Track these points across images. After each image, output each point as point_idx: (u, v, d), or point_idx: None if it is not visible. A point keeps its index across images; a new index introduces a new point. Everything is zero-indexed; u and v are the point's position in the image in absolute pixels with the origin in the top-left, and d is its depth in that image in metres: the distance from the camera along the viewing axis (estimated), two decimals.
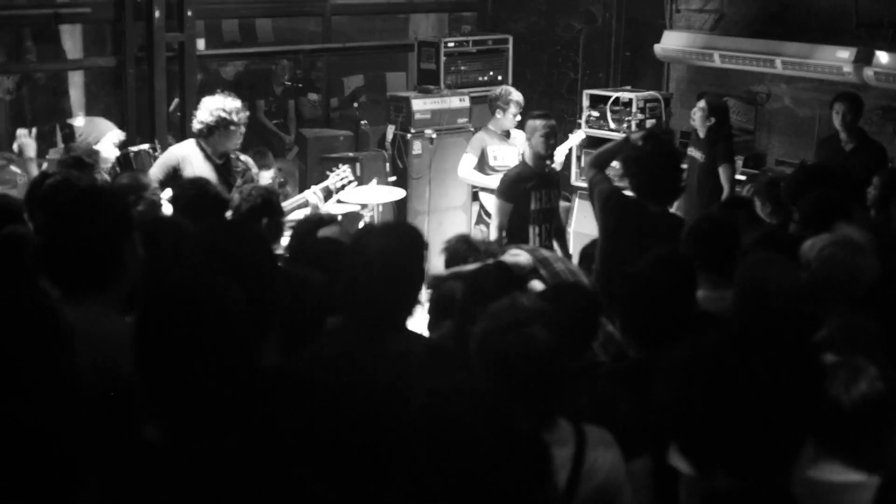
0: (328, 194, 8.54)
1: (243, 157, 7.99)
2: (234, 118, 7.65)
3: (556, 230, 8.55)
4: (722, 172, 8.99)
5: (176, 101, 10.46)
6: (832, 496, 3.00)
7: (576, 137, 10.55)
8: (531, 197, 8.22)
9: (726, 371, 2.52)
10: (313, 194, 8.34)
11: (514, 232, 8.10)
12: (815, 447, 3.24)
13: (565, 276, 6.13)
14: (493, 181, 9.00)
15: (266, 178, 9.88)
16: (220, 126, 7.61)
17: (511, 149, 9.86)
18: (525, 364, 3.35)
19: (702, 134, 9.29)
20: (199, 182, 6.41)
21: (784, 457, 2.57)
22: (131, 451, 2.69)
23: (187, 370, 2.63)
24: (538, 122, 8.36)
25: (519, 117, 9.96)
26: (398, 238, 4.05)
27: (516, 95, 9.97)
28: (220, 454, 2.63)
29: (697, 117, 9.35)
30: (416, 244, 4.09)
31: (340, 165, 9.09)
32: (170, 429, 2.65)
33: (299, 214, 7.46)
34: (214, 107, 7.62)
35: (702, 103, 9.47)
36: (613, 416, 4.05)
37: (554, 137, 8.43)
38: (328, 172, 8.92)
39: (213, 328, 2.66)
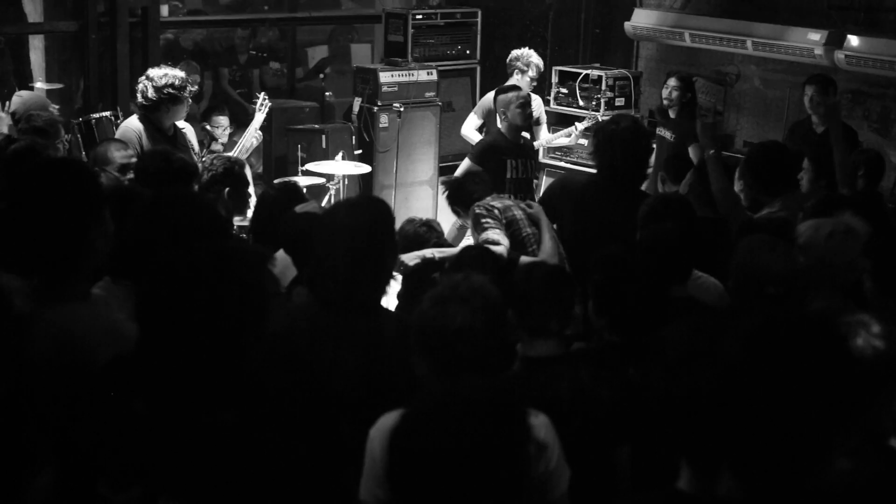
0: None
1: (186, 129, 7.79)
2: (183, 93, 7.43)
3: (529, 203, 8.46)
4: (692, 151, 8.93)
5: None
6: None
7: (573, 137, 10.49)
8: (507, 166, 8.19)
9: (744, 358, 2.40)
10: (254, 137, 8.47)
11: None
12: None
13: (530, 242, 6.13)
14: None
15: (222, 124, 9.86)
16: (169, 99, 7.39)
17: None
18: (439, 340, 3.35)
19: (673, 113, 9.22)
20: (164, 153, 6.27)
21: (804, 457, 2.44)
22: (118, 424, 2.65)
23: (195, 341, 2.57)
24: (511, 95, 8.45)
25: (535, 83, 10.04)
26: (367, 215, 3.98)
27: (536, 59, 10.04)
28: (214, 427, 2.58)
29: (674, 96, 9.28)
30: (385, 220, 4.02)
31: (258, 95, 9.10)
32: (162, 402, 2.59)
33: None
34: (163, 82, 7.36)
35: (673, 81, 9.40)
36: (595, 403, 4.00)
37: (529, 107, 8.49)
38: (252, 104, 8.95)
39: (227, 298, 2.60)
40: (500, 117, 8.50)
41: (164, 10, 11.12)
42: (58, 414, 3.03)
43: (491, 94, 9.89)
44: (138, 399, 2.62)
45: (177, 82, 7.38)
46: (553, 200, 6.52)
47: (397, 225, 5.52)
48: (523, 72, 9.99)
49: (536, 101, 9.95)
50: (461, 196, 6.59)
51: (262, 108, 8.73)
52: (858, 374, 2.63)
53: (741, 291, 4.33)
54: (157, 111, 7.39)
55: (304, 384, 3.74)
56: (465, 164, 8.35)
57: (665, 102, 9.33)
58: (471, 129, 10.01)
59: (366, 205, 4.19)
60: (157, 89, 7.33)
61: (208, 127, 9.94)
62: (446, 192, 6.77)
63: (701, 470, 2.49)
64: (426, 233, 6.44)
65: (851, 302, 4.51)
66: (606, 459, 3.95)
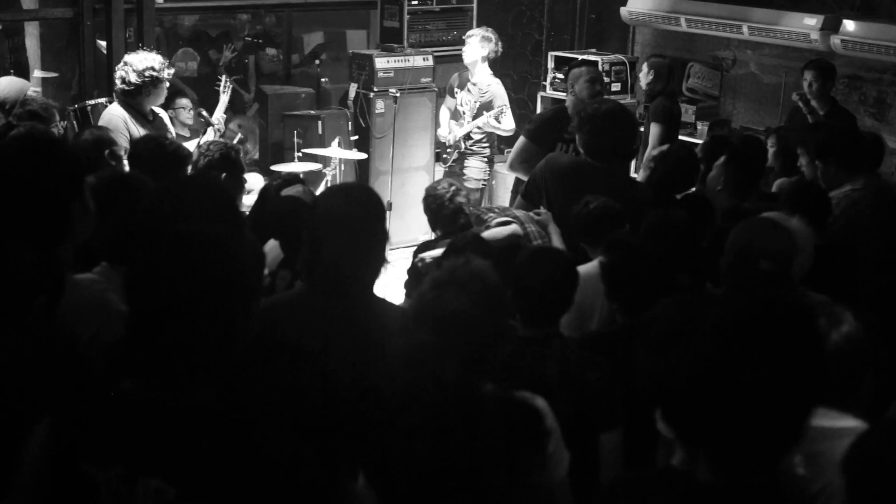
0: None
1: (161, 114, 7.79)
2: (163, 75, 7.45)
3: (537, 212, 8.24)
4: (652, 130, 8.88)
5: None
6: (826, 442, 2.93)
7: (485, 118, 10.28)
8: (557, 148, 7.69)
9: (720, 347, 2.41)
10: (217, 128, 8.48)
11: None
12: None
13: (535, 237, 6.11)
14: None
15: (185, 106, 9.83)
16: (150, 84, 7.40)
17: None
18: (434, 323, 3.32)
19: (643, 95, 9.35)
20: (156, 138, 6.27)
21: (778, 447, 2.46)
22: (105, 402, 2.64)
23: (185, 322, 2.56)
24: (584, 68, 8.00)
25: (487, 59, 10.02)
26: (355, 202, 3.97)
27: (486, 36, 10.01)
28: (199, 407, 2.57)
29: (641, 78, 9.45)
30: (374, 207, 4.02)
31: (220, 77, 9.05)
32: (150, 381, 2.59)
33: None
34: (144, 66, 7.38)
35: (645, 66, 9.50)
36: (581, 385, 4.01)
37: (599, 84, 7.98)
38: (216, 87, 8.91)
39: (219, 279, 2.59)
40: (569, 90, 7.98)
41: None
42: (46, 384, 3.05)
43: (456, 74, 9.97)
44: (127, 378, 2.62)
45: (156, 65, 7.41)
46: (539, 181, 6.49)
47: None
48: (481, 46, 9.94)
49: (487, 83, 9.99)
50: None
51: (225, 90, 8.68)
52: (829, 359, 2.64)
53: (735, 268, 4.30)
54: (138, 95, 7.41)
55: (297, 371, 3.75)
56: (519, 142, 7.86)
57: (646, 86, 9.32)
58: (445, 124, 10.16)
59: (356, 192, 4.19)
60: (139, 73, 7.35)
61: (205, 113, 9.92)
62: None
63: (689, 448, 2.50)
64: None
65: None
66: (592, 442, 3.96)
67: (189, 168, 6.22)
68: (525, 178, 6.98)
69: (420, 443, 2.78)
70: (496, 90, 9.92)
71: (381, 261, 3.99)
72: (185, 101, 10.08)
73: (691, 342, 2.44)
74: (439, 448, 2.75)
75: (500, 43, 10.02)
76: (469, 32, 10.11)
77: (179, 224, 2.94)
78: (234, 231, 3.56)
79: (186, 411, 2.56)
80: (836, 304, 3.33)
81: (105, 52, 9.96)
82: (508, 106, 9.84)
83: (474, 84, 9.93)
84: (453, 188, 6.34)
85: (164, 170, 5.60)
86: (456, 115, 10.15)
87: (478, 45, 9.87)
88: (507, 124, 9.81)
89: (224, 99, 8.62)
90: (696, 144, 7.48)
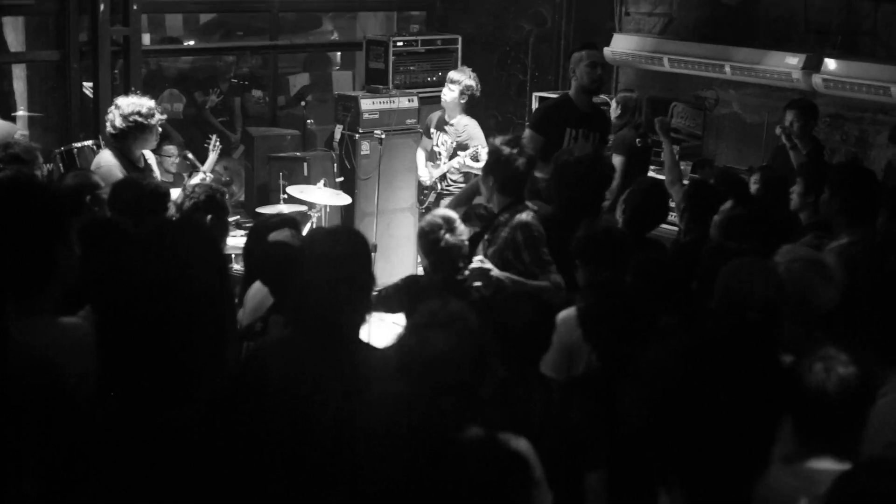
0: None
1: (151, 161, 7.79)
2: (150, 121, 7.43)
3: None
4: (614, 160, 8.81)
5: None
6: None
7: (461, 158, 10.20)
8: (565, 135, 7.66)
9: (687, 381, 2.43)
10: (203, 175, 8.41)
11: None
12: (801, 437, 3.26)
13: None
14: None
15: (172, 153, 9.83)
16: (136, 129, 7.39)
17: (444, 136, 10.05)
18: (421, 367, 3.34)
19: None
20: (133, 179, 6.27)
21: (743, 479, 2.48)
22: (81, 435, 2.66)
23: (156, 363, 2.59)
24: (583, 52, 7.93)
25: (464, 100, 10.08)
26: (345, 246, 3.98)
27: (467, 79, 10.04)
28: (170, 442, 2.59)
29: (616, 115, 9.52)
30: (363, 251, 4.03)
31: (210, 137, 9.05)
32: (122, 413, 2.61)
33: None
34: (130, 110, 7.38)
35: (614, 101, 9.66)
36: (565, 426, 4.02)
37: (600, 68, 7.91)
38: (206, 145, 8.92)
39: (187, 319, 2.63)
40: (571, 76, 7.97)
41: (146, 38, 11.14)
42: (33, 428, 3.05)
43: (433, 114, 10.07)
44: (100, 410, 2.64)
45: (143, 110, 7.39)
46: None
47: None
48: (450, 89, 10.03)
49: (464, 123, 10.01)
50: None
51: (214, 148, 8.68)
52: (830, 402, 2.68)
53: (723, 315, 4.34)
54: (125, 140, 7.41)
55: (284, 417, 3.75)
56: (526, 135, 7.71)
57: (615, 120, 9.39)
58: (422, 166, 10.23)
59: (343, 236, 4.20)
60: (124, 117, 7.35)
61: (191, 156, 9.94)
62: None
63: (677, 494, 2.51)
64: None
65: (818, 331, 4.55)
66: (578, 483, 3.96)
67: (174, 209, 6.24)
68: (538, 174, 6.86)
69: (400, 493, 2.78)
70: (473, 131, 9.98)
71: (367, 306, 4.00)
72: (171, 149, 10.07)
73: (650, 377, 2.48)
74: (419, 497, 2.76)
75: (478, 83, 10.09)
76: (453, 76, 10.13)
77: (151, 270, 2.96)
78: (216, 276, 3.57)
79: (158, 444, 2.57)
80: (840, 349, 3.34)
81: (91, 94, 9.99)
82: (486, 146, 9.83)
83: (451, 125, 9.98)
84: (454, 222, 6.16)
85: (145, 212, 5.62)
86: (433, 155, 10.19)
87: (458, 93, 9.99)
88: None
89: (213, 157, 8.64)
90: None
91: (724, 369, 2.40)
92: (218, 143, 8.67)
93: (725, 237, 5.92)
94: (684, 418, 2.38)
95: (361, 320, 3.97)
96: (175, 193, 6.74)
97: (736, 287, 4.33)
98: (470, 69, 10.27)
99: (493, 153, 6.21)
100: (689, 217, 6.59)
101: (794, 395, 3.25)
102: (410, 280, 5.94)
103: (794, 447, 3.29)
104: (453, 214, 5.89)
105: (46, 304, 3.67)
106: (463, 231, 5.85)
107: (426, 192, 10.18)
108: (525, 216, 6.04)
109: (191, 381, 2.64)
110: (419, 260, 6.40)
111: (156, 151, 9.17)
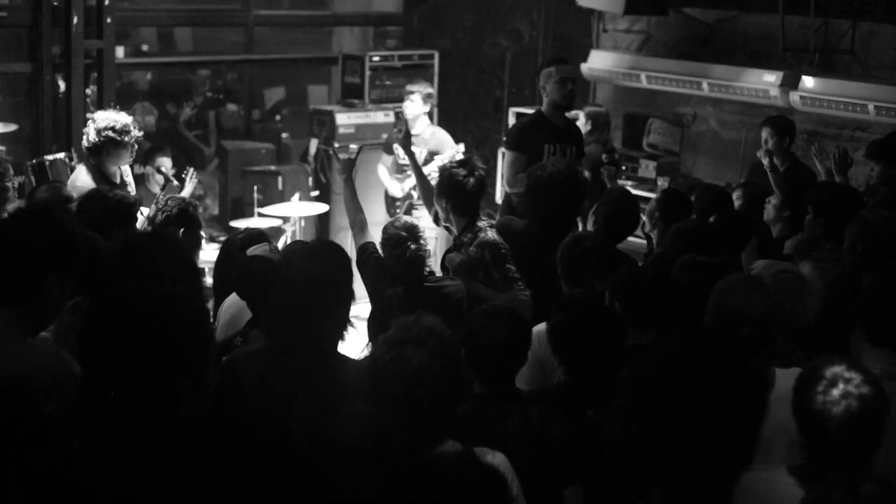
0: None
1: (128, 177, 7.67)
2: (124, 137, 7.33)
3: None
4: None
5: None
6: None
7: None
8: (544, 152, 7.62)
9: (666, 391, 2.40)
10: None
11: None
12: (811, 459, 3.24)
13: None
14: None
15: (166, 165, 9.69)
16: (109, 142, 7.30)
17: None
18: (395, 384, 3.34)
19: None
20: (99, 192, 6.17)
21: (718, 488, 2.44)
22: (55, 459, 2.61)
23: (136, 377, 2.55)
24: (553, 68, 7.90)
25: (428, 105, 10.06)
26: (325, 261, 3.96)
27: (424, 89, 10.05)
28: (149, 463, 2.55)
29: (586, 130, 9.54)
30: (343, 266, 4.01)
31: (188, 169, 8.89)
32: (100, 439, 2.56)
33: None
34: (104, 125, 7.30)
35: (581, 113, 9.74)
36: (544, 441, 3.98)
37: (571, 83, 7.88)
38: (182, 176, 8.78)
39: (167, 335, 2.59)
40: (542, 93, 7.97)
41: (120, 51, 11.06)
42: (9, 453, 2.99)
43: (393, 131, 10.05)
44: (77, 435, 2.57)
45: (117, 126, 7.30)
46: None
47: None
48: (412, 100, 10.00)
49: (431, 132, 10.00)
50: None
51: (191, 179, 8.57)
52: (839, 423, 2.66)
53: (718, 330, 4.32)
54: (98, 155, 7.35)
55: (259, 431, 3.70)
56: (506, 158, 7.80)
57: (585, 136, 9.38)
58: (388, 180, 10.17)
59: (323, 250, 4.18)
60: (98, 132, 7.28)
61: (149, 168, 9.79)
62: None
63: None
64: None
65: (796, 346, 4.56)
66: (557, 499, 3.93)
67: (146, 223, 6.16)
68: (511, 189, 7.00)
69: None
70: (441, 137, 9.96)
71: (345, 322, 3.96)
72: (167, 161, 9.91)
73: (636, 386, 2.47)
74: None
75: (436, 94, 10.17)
76: (410, 88, 10.10)
77: (133, 285, 2.91)
78: (191, 291, 3.52)
79: (136, 468, 2.52)
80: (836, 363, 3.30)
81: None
82: (456, 148, 9.82)
83: (416, 135, 9.93)
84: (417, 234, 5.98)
85: (111, 225, 5.54)
86: (399, 169, 10.12)
87: (420, 102, 9.94)
88: None
89: (189, 187, 8.51)
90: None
91: (705, 378, 2.39)
92: (194, 176, 8.53)
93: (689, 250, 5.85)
94: (669, 428, 2.38)
95: (340, 334, 3.93)
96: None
97: (730, 304, 4.32)
98: (429, 84, 10.27)
99: (444, 176, 6.29)
100: (662, 227, 6.54)
101: (801, 414, 3.22)
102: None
103: (804, 461, 3.29)
104: (414, 222, 5.95)
105: (21, 325, 3.61)
106: (426, 239, 5.94)
107: (398, 203, 10.12)
108: (489, 235, 6.13)
109: (173, 399, 2.57)
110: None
111: (149, 162, 9.08)
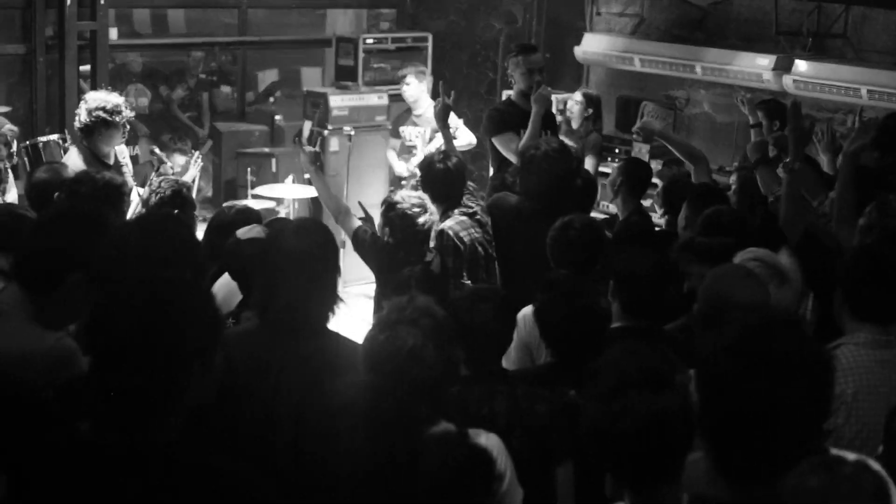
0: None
1: (124, 158, 7.68)
2: (115, 118, 7.30)
3: None
4: (588, 162, 8.89)
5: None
6: None
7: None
8: (519, 138, 7.64)
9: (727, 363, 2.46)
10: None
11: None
12: None
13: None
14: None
15: (178, 162, 9.72)
16: (101, 123, 7.28)
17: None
18: (390, 363, 3.34)
19: (575, 125, 9.45)
20: (88, 173, 6.15)
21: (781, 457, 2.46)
22: (61, 447, 2.61)
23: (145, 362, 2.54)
24: (520, 57, 8.05)
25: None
26: (312, 238, 3.96)
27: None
28: (154, 450, 2.55)
29: (575, 110, 9.52)
30: (329, 243, 4.02)
31: (192, 152, 8.87)
32: (108, 424, 2.56)
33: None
34: (94, 105, 7.27)
35: (578, 95, 9.67)
36: (532, 420, 3.99)
37: (537, 74, 7.98)
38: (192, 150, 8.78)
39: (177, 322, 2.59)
40: (509, 80, 8.07)
41: (113, 33, 11.04)
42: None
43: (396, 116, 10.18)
44: (84, 420, 2.58)
45: (108, 106, 7.27)
46: (492, 220, 6.50)
47: None
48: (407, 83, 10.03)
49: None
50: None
51: (195, 163, 8.56)
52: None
53: (710, 318, 4.32)
54: (90, 136, 7.32)
55: (247, 409, 3.72)
56: (497, 141, 7.87)
57: (567, 114, 9.46)
58: (395, 161, 10.22)
59: (308, 227, 4.19)
60: (89, 112, 7.25)
61: (158, 150, 9.80)
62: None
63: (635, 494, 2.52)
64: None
65: None
66: (548, 476, 3.94)
67: (140, 205, 6.16)
68: None
69: (362, 486, 2.76)
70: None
71: (334, 297, 3.97)
72: (179, 159, 9.91)
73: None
74: (382, 489, 2.74)
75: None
76: (405, 72, 10.12)
77: (141, 270, 2.93)
78: (194, 276, 3.57)
79: (142, 454, 2.53)
80: None
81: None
82: (458, 125, 9.85)
83: (419, 115, 9.94)
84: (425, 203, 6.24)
85: (101, 203, 5.52)
86: (406, 150, 10.13)
87: (417, 82, 9.98)
88: (464, 138, 9.83)
89: (193, 170, 8.51)
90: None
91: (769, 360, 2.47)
92: (200, 161, 8.52)
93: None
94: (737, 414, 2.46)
95: (329, 311, 3.94)
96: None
97: (722, 292, 4.31)
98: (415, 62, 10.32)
99: (425, 167, 6.44)
100: (624, 194, 6.73)
101: None
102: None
103: None
104: (424, 196, 6.16)
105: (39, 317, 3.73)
106: (434, 210, 6.14)
107: (403, 183, 10.13)
108: (448, 223, 6.22)
109: (185, 382, 2.58)
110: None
111: (164, 150, 9.04)
